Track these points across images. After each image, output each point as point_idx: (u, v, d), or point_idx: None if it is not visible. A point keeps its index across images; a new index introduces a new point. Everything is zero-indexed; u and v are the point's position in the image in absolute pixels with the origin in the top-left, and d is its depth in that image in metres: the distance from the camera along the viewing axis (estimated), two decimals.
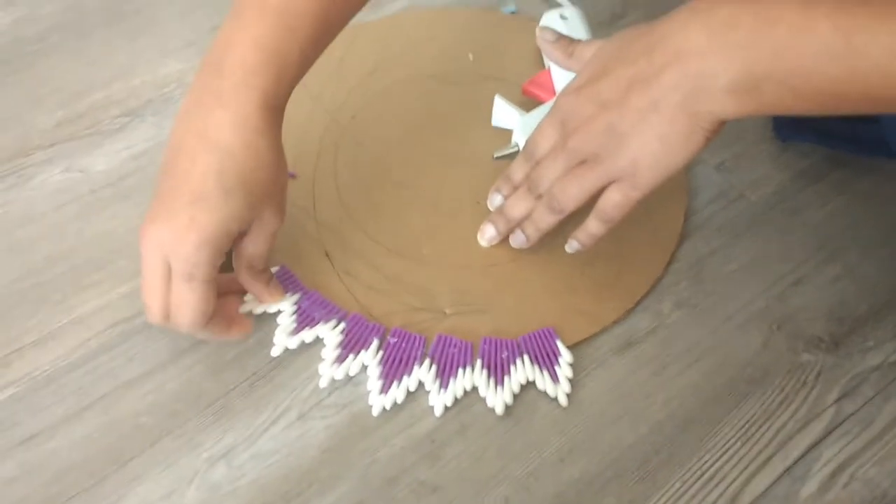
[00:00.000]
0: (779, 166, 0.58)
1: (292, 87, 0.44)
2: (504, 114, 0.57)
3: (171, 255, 0.40)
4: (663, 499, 0.44)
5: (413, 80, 0.61)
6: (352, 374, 0.47)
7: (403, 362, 0.47)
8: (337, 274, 0.51)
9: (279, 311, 0.48)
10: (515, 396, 0.46)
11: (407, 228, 0.53)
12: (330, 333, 0.47)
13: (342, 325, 0.48)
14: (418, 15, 0.66)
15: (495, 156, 0.54)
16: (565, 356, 0.47)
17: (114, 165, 0.56)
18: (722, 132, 0.40)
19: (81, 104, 0.60)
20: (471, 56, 0.62)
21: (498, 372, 0.47)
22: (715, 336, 0.50)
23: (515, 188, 0.50)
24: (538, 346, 0.48)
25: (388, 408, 0.46)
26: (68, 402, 0.46)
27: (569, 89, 0.45)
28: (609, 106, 0.42)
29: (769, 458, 0.45)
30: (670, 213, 0.54)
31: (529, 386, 0.47)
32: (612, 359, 0.49)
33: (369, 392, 0.46)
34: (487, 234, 0.52)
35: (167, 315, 0.42)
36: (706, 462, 0.45)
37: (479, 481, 0.44)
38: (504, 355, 0.47)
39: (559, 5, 0.65)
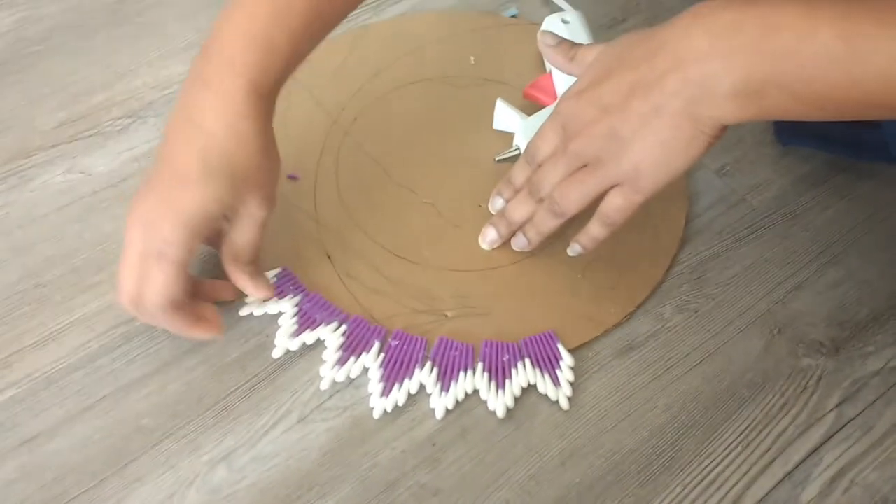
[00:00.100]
0: (779, 171, 0.58)
1: (283, 76, 0.44)
2: (505, 117, 0.57)
3: (147, 233, 0.41)
4: (664, 503, 0.44)
5: (415, 84, 0.61)
6: (353, 376, 0.47)
7: (405, 365, 0.47)
8: (338, 276, 0.51)
9: (280, 313, 0.48)
10: (516, 400, 0.46)
11: (408, 231, 0.53)
12: (331, 336, 0.47)
13: (343, 328, 0.48)
14: (420, 18, 0.66)
15: (497, 159, 0.54)
16: (566, 359, 0.47)
17: (115, 167, 0.56)
18: (722, 137, 0.40)
19: (83, 105, 0.60)
20: (472, 59, 0.62)
21: (499, 375, 0.47)
22: (716, 340, 0.50)
23: (517, 191, 0.50)
24: (539, 349, 0.48)
25: (389, 410, 0.46)
26: (69, 403, 0.46)
27: (570, 93, 0.45)
28: (611, 110, 0.42)
29: (770, 463, 0.45)
30: (671, 218, 0.54)
31: (530, 389, 0.47)
32: (613, 362, 0.49)
33: (370, 395, 0.46)
34: (489, 238, 0.52)
35: (137, 297, 0.42)
36: (707, 466, 0.45)
37: (480, 485, 0.44)
38: (505, 358, 0.47)
39: (561, 9, 0.65)
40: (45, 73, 0.61)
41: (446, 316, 0.49)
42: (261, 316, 0.48)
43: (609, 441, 0.46)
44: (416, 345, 0.48)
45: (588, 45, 0.48)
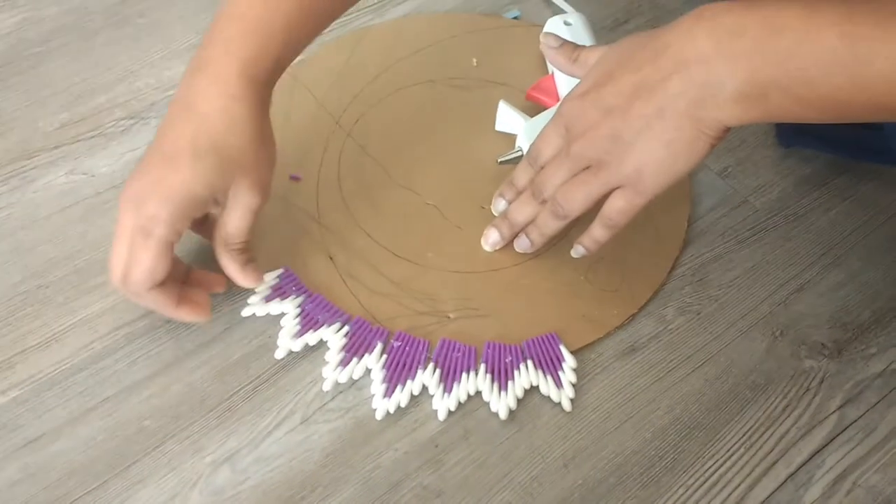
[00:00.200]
0: (781, 172, 0.58)
1: (278, 64, 0.45)
2: (508, 118, 0.57)
3: (136, 211, 0.41)
4: None
5: (417, 85, 0.61)
6: (355, 377, 0.47)
7: (407, 366, 0.47)
8: (341, 277, 0.51)
9: (283, 314, 0.48)
10: (519, 401, 0.46)
11: (411, 232, 0.53)
12: (334, 337, 0.47)
13: (346, 329, 0.48)
14: (422, 20, 0.66)
15: (499, 160, 0.54)
16: (569, 361, 0.47)
17: (118, 168, 0.56)
18: (725, 139, 0.40)
19: (85, 107, 0.60)
20: (475, 61, 0.62)
21: (502, 376, 0.47)
22: (718, 342, 0.50)
23: (519, 193, 0.50)
24: (542, 350, 0.48)
25: (391, 412, 0.46)
26: (72, 404, 0.46)
27: (573, 95, 0.45)
28: (613, 112, 0.42)
29: (772, 465, 0.45)
30: (674, 219, 0.54)
31: (533, 391, 0.47)
32: (615, 364, 0.49)
33: (373, 396, 0.46)
34: (491, 239, 0.52)
35: (124, 275, 0.42)
36: (709, 468, 0.45)
37: (483, 486, 0.44)
38: (508, 360, 0.47)
39: (563, 11, 0.65)
40: (47, 74, 0.61)
41: (449, 317, 0.49)
42: (263, 317, 0.48)
43: (612, 443, 0.46)
44: (418, 346, 0.48)
45: (590, 46, 0.48)
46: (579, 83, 0.45)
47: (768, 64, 0.37)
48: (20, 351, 0.48)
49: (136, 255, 0.42)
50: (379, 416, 0.45)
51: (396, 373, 0.47)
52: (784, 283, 0.52)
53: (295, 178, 0.55)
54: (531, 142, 0.49)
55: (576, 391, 0.47)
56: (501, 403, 0.46)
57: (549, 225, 0.47)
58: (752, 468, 0.45)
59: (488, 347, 0.48)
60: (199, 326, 0.48)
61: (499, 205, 0.52)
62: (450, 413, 0.46)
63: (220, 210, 0.44)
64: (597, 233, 0.46)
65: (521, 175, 0.50)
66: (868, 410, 0.47)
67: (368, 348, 0.47)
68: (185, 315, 0.45)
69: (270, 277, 0.49)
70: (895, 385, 0.48)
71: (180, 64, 0.62)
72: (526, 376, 0.47)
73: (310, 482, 0.44)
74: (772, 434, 0.46)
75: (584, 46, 0.48)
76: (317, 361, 0.48)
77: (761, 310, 0.51)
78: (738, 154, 0.59)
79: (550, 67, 0.59)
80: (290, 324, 0.48)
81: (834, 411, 0.47)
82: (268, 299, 0.49)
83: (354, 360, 0.47)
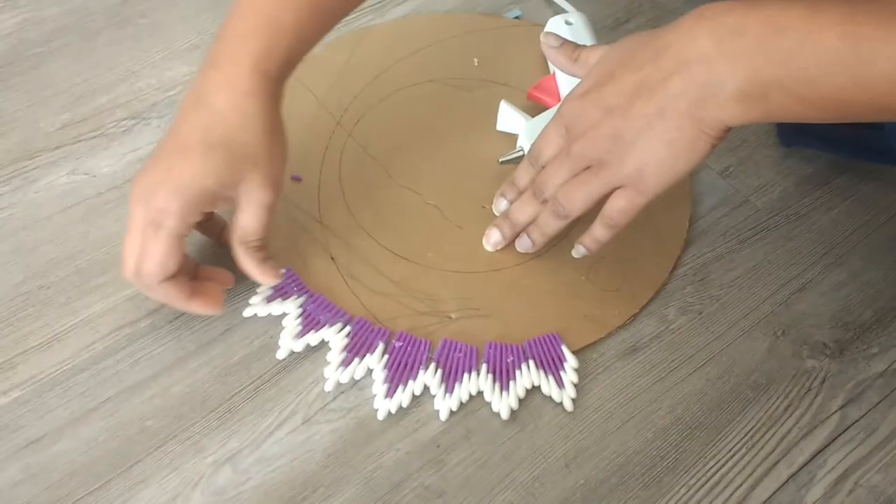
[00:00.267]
0: (783, 172, 0.58)
1: (290, 60, 0.45)
2: (509, 118, 0.57)
3: (146, 203, 0.42)
4: None
5: (418, 85, 0.61)
6: (357, 378, 0.47)
7: (409, 366, 0.47)
8: (342, 277, 0.51)
9: (284, 315, 0.48)
10: (521, 401, 0.46)
11: (412, 232, 0.53)
12: (335, 337, 0.47)
13: (347, 329, 0.48)
14: (423, 20, 0.66)
15: (500, 160, 0.54)
16: (570, 361, 0.47)
17: (119, 168, 0.56)
18: (726, 138, 0.40)
19: (86, 107, 0.60)
20: (476, 61, 0.62)
21: (503, 377, 0.47)
22: (720, 342, 0.50)
23: (521, 193, 0.50)
24: (543, 350, 0.48)
25: (393, 412, 0.46)
26: (73, 405, 0.46)
27: (574, 94, 0.45)
28: (614, 112, 0.42)
29: (774, 465, 0.45)
30: (675, 219, 0.54)
31: (535, 391, 0.47)
32: (617, 364, 0.49)
33: (374, 396, 0.46)
34: (493, 239, 0.52)
35: (137, 268, 0.42)
36: (711, 468, 0.45)
37: (485, 486, 0.44)
38: (509, 360, 0.47)
39: (564, 11, 0.65)
40: (49, 74, 0.61)
41: (450, 317, 0.49)
42: (265, 317, 0.49)
43: (613, 443, 0.46)
44: (419, 346, 0.48)
45: (591, 46, 0.48)
46: (580, 83, 0.45)
47: (770, 63, 0.37)
48: (22, 351, 0.48)
49: (147, 248, 0.42)
50: (380, 416, 0.45)
51: (398, 373, 0.47)
52: (785, 283, 0.52)
53: (296, 179, 0.55)
54: (532, 142, 0.49)
55: (577, 391, 0.47)
56: (503, 403, 0.46)
57: (551, 225, 0.47)
58: (753, 468, 0.45)
59: (490, 347, 0.48)
60: (199, 326, 0.48)
61: (500, 205, 0.52)
62: (451, 413, 0.46)
63: (234, 209, 0.45)
64: (598, 232, 0.46)
65: (523, 175, 0.50)
66: (870, 410, 0.47)
67: (370, 348, 0.47)
68: (197, 307, 0.45)
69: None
70: None
71: (181, 64, 0.62)
72: (527, 376, 0.47)
73: (311, 482, 0.44)
74: (773, 434, 0.46)
75: (584, 46, 0.48)
76: (318, 362, 0.48)
77: (763, 309, 0.51)
78: (740, 154, 0.59)
79: (552, 67, 0.59)
80: (291, 324, 0.48)
81: (835, 411, 0.47)
82: (269, 300, 0.49)
83: (356, 360, 0.47)
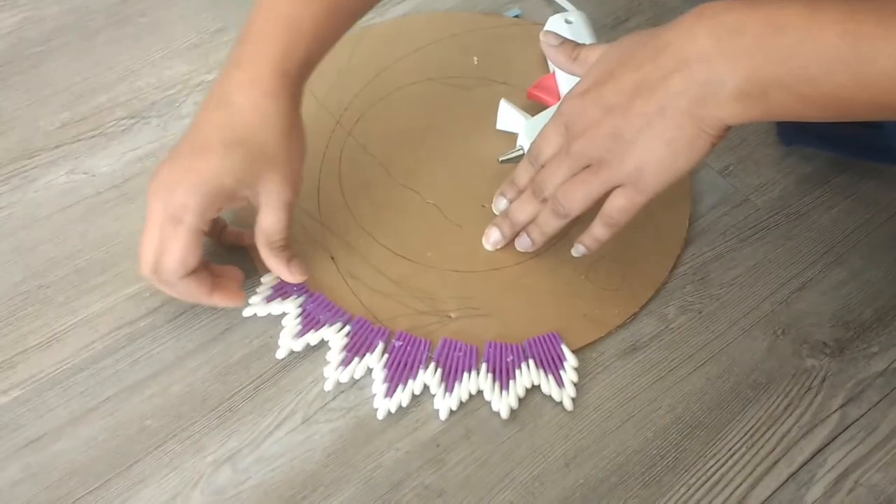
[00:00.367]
0: (783, 171, 0.58)
1: (309, 60, 0.45)
2: (509, 117, 0.57)
3: (165, 199, 0.42)
4: None
5: (418, 84, 0.61)
6: (357, 377, 0.47)
7: (408, 366, 0.47)
8: (342, 277, 0.51)
9: (284, 314, 0.48)
10: (520, 401, 0.46)
11: (411, 232, 0.53)
12: (335, 336, 0.47)
13: (347, 328, 0.48)
14: (423, 19, 0.66)
15: (500, 159, 0.54)
16: (570, 360, 0.47)
17: (118, 167, 0.56)
18: (726, 137, 0.40)
19: (86, 106, 0.60)
20: (475, 60, 0.62)
21: (503, 376, 0.47)
22: (720, 341, 0.50)
23: (520, 192, 0.50)
24: (543, 350, 0.48)
25: (392, 411, 0.46)
26: (73, 404, 0.46)
27: (573, 93, 0.45)
28: (614, 110, 0.42)
29: (774, 464, 0.45)
30: (675, 218, 0.54)
31: (534, 390, 0.47)
32: (617, 363, 0.49)
33: (374, 396, 0.46)
34: (492, 238, 0.52)
35: (156, 265, 0.43)
36: (711, 467, 0.45)
37: (485, 486, 0.44)
38: (509, 359, 0.47)
39: (564, 9, 0.65)
40: (48, 73, 0.61)
41: (450, 317, 0.49)
42: (264, 317, 0.48)
43: (613, 442, 0.46)
44: (419, 346, 0.48)
45: (591, 45, 0.48)
46: (580, 81, 0.45)
47: (770, 62, 0.36)
48: (21, 351, 0.48)
49: (166, 244, 0.42)
50: (380, 415, 0.45)
51: (398, 372, 0.47)
52: (786, 282, 0.52)
53: None
54: (532, 140, 0.49)
55: (577, 390, 0.47)
56: (503, 403, 0.46)
57: (550, 224, 0.47)
58: (753, 467, 0.45)
59: (489, 347, 0.48)
60: (198, 326, 0.49)
61: (500, 204, 0.52)
62: (451, 412, 0.46)
63: (253, 210, 0.45)
64: (597, 231, 0.46)
65: (522, 174, 0.50)
66: (870, 409, 0.47)
67: (370, 348, 0.47)
68: (219, 301, 0.46)
69: (271, 278, 0.49)
70: None
71: (181, 63, 0.62)
72: (527, 375, 0.47)
73: (311, 482, 0.44)
74: (773, 433, 0.46)
75: (584, 45, 0.48)
76: (318, 361, 0.48)
77: (763, 308, 0.51)
78: (740, 152, 0.59)
79: (551, 66, 0.58)
80: (291, 323, 0.48)
81: (836, 410, 0.47)
82: (269, 299, 0.49)
83: (356, 359, 0.47)
